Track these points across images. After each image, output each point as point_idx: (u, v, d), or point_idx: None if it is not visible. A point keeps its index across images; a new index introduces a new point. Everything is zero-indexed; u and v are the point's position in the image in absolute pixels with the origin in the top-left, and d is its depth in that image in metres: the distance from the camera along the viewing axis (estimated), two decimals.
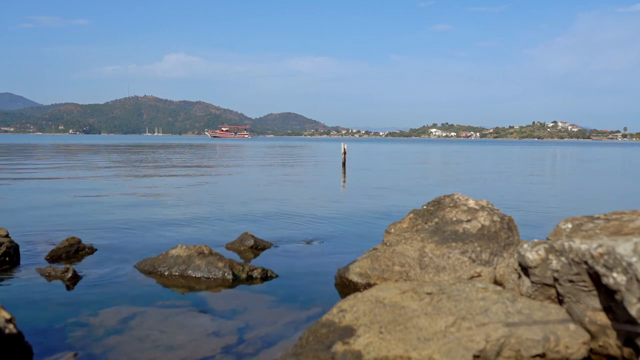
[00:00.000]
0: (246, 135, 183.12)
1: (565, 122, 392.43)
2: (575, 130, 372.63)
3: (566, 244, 2.97)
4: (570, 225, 3.55)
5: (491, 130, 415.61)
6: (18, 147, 48.21)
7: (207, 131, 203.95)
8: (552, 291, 3.13)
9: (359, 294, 3.21)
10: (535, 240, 3.31)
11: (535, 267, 3.16)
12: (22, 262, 5.20)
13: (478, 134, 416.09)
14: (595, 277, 2.80)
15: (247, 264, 4.84)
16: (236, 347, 3.20)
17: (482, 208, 4.67)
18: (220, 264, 4.75)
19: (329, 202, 10.29)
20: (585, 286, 2.90)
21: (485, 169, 22.63)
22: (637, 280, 2.50)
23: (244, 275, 4.70)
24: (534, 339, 2.63)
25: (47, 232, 6.69)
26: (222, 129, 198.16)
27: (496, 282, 4.25)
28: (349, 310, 3.00)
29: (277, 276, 4.81)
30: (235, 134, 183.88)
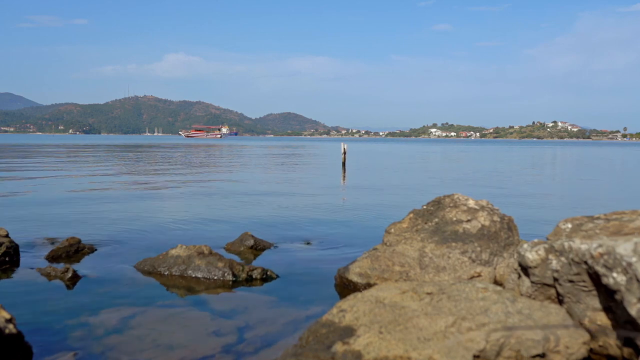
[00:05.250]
0: (218, 135, 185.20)
1: (565, 122, 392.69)
2: (575, 130, 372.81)
3: (566, 244, 2.97)
4: (570, 225, 3.55)
5: (491, 130, 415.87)
6: (18, 147, 48.21)
7: (181, 131, 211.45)
8: (552, 291, 3.13)
9: (359, 294, 3.21)
10: (535, 240, 3.31)
11: (535, 267, 3.16)
12: (22, 262, 5.19)
13: (478, 134, 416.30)
14: (595, 277, 2.80)
15: (247, 264, 4.84)
16: (236, 347, 3.20)
17: (482, 208, 4.67)
18: (220, 264, 4.75)
19: (328, 202, 10.29)
20: (585, 286, 2.90)
21: (485, 168, 22.63)
22: (637, 280, 2.50)
23: (243, 276, 4.69)
24: (534, 339, 2.63)
25: (47, 232, 6.69)
26: (195, 128, 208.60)
27: (496, 282, 4.25)
28: (349, 310, 3.00)
29: (277, 276, 4.81)
30: (208, 133, 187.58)
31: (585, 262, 2.81)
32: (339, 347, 2.64)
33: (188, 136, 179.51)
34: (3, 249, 5.03)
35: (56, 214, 8.25)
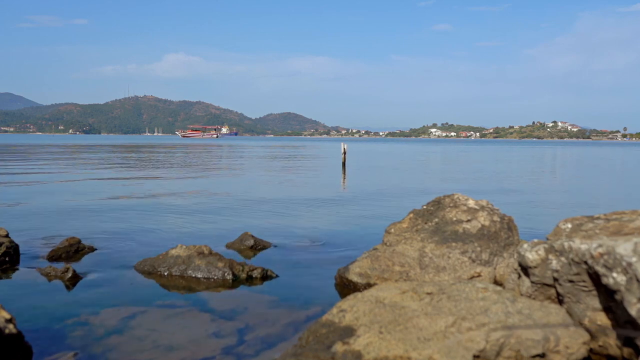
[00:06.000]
0: (214, 135, 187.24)
1: (565, 122, 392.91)
2: (575, 130, 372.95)
3: (566, 244, 2.97)
4: (570, 225, 3.55)
5: (491, 130, 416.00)
6: (18, 147, 48.20)
7: (177, 131, 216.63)
8: (552, 291, 3.13)
9: (359, 294, 3.21)
10: (535, 240, 3.31)
11: (535, 267, 3.16)
12: (22, 262, 5.20)
13: (478, 134, 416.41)
14: (595, 277, 2.80)
15: (247, 264, 4.84)
16: (236, 348, 3.20)
17: (482, 208, 4.67)
18: (220, 264, 4.75)
19: (328, 202, 10.29)
20: (585, 286, 2.90)
21: (485, 169, 22.63)
22: (637, 280, 2.50)
23: (244, 275, 4.70)
24: (534, 339, 2.63)
25: (47, 232, 6.69)
26: (191, 128, 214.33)
27: (496, 282, 4.25)
28: (349, 310, 3.00)
29: (277, 276, 4.82)
30: (204, 133, 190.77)
31: (585, 262, 2.81)
32: (339, 347, 2.64)
33: (184, 136, 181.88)
34: (3, 249, 5.03)
35: (56, 214, 8.25)
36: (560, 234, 3.53)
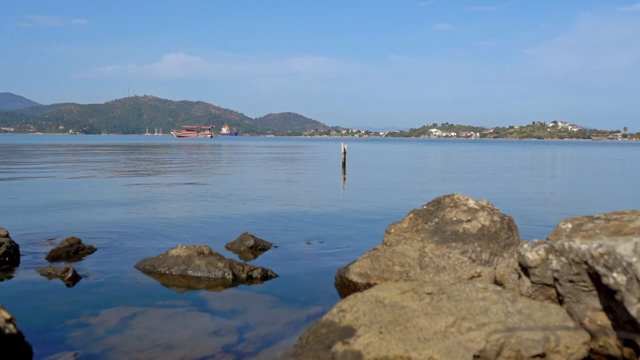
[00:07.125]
0: (209, 135, 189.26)
1: (565, 122, 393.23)
2: (575, 130, 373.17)
3: (566, 244, 2.97)
4: (570, 225, 3.55)
5: (491, 130, 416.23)
6: (18, 147, 48.19)
7: (172, 131, 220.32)
8: (552, 291, 3.13)
9: (359, 294, 3.21)
10: (535, 240, 3.31)
11: (535, 267, 3.16)
12: (22, 262, 5.19)
13: (478, 134, 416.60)
14: (595, 277, 2.80)
15: (247, 264, 4.84)
16: (236, 347, 3.20)
17: (482, 208, 4.67)
18: (220, 264, 4.75)
19: (329, 202, 10.28)
20: (585, 286, 2.90)
21: (485, 169, 22.62)
22: (637, 280, 2.50)
23: (244, 275, 4.70)
24: (534, 339, 2.63)
25: (47, 232, 6.69)
26: (186, 128, 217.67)
27: (496, 282, 4.25)
28: (349, 310, 3.00)
29: (277, 276, 4.81)
30: (199, 133, 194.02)
31: (586, 262, 2.81)
32: (339, 347, 2.63)
33: (179, 136, 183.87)
34: (3, 249, 5.03)
35: (56, 214, 8.25)
36: (560, 234, 3.53)
